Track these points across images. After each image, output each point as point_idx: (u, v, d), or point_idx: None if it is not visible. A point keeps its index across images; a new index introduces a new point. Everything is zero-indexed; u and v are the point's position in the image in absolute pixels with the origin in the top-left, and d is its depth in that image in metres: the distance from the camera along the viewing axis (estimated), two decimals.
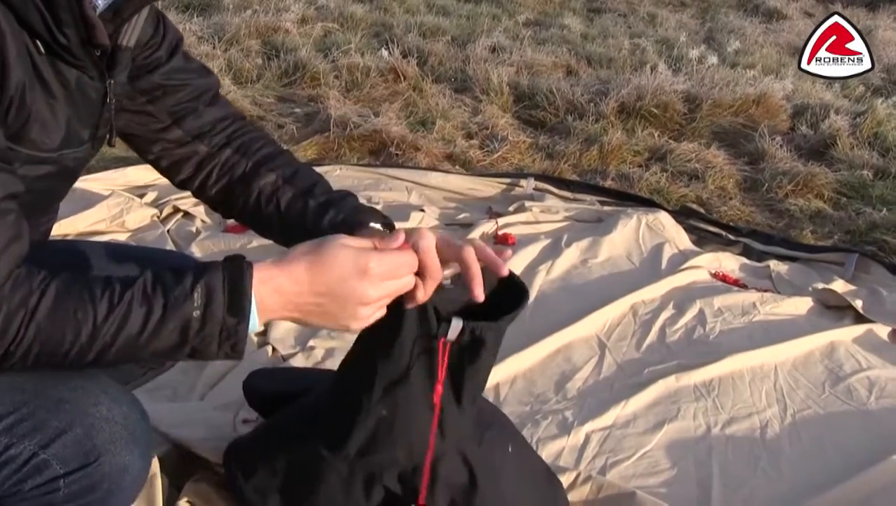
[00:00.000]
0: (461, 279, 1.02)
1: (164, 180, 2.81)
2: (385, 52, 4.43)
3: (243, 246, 2.33)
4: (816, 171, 3.38)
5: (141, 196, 2.53)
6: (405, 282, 0.98)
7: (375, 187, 2.89)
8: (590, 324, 2.09)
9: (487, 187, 2.99)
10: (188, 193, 2.70)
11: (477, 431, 1.24)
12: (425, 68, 4.39)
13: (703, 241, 2.74)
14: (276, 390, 1.41)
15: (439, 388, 1.07)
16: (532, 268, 2.38)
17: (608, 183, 3.23)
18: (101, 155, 1.18)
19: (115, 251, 1.36)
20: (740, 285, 2.42)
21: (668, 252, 2.55)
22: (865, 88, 4.81)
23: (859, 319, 2.26)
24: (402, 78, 4.16)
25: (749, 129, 3.96)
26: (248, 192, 1.21)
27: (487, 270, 1.02)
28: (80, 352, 0.87)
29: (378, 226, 1.13)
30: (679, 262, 2.50)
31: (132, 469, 0.99)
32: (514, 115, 3.99)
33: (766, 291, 2.40)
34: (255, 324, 0.91)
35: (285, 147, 1.33)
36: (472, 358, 1.09)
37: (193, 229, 2.44)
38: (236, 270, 0.91)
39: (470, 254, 1.00)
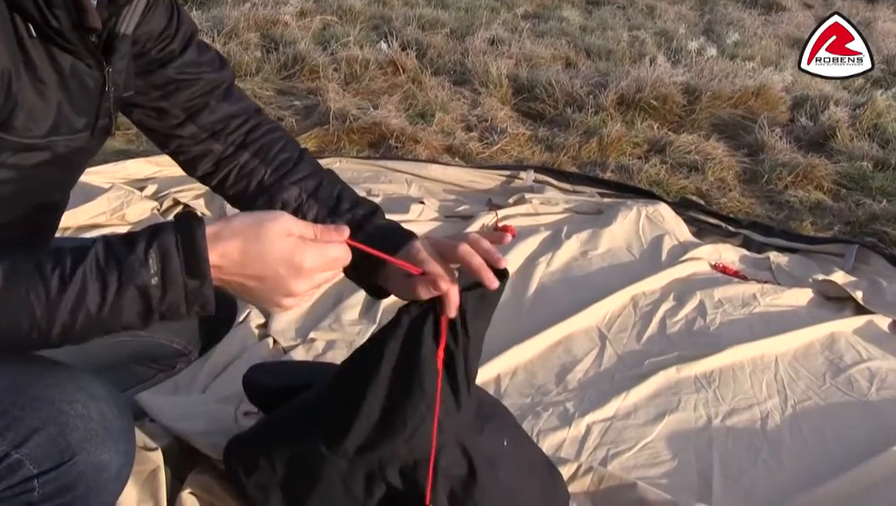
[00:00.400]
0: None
1: (164, 173, 2.79)
2: (384, 45, 4.41)
3: None
4: (816, 162, 3.38)
5: (141, 189, 2.52)
6: (334, 273, 0.98)
7: (375, 180, 2.88)
8: (590, 316, 2.09)
9: (487, 179, 2.99)
10: (188, 186, 2.68)
11: (477, 422, 1.24)
12: (424, 61, 4.39)
13: (703, 232, 2.74)
14: (276, 386, 1.41)
15: (440, 353, 1.08)
16: (532, 260, 2.38)
17: (608, 175, 3.22)
18: (101, 148, 1.17)
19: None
20: (740, 277, 2.42)
21: (668, 244, 2.56)
22: (865, 80, 4.79)
23: (860, 310, 2.26)
24: (402, 70, 4.15)
25: (748, 120, 3.96)
26: (271, 205, 1.21)
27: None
28: (41, 333, 0.85)
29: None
30: (679, 253, 2.50)
31: (110, 467, 0.96)
32: (514, 107, 3.98)
33: (766, 282, 2.40)
34: None
35: None
36: (465, 331, 1.09)
37: None
38: (187, 228, 0.88)
39: (466, 250, 1.04)
